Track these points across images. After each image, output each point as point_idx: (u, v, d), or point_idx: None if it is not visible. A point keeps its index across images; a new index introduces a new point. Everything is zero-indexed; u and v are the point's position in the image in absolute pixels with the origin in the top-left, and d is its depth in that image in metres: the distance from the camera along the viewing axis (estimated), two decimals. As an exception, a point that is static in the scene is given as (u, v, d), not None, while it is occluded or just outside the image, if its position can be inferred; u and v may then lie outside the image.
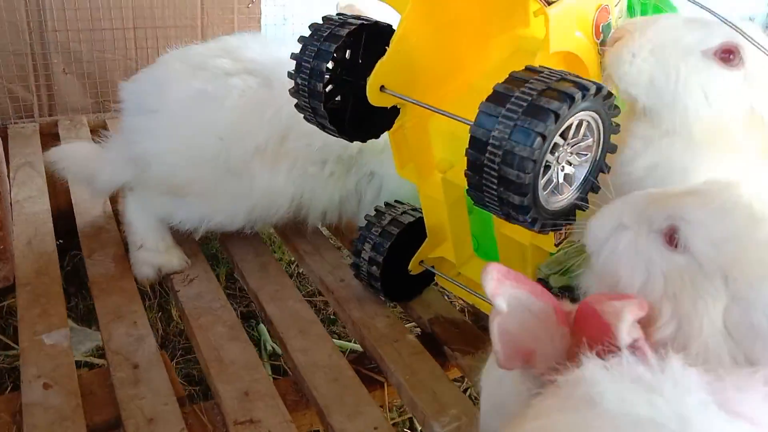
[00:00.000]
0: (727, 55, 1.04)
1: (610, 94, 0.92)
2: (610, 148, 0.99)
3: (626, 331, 0.74)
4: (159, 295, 1.96)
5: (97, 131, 2.02)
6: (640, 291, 0.88)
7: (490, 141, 0.89)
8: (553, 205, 0.98)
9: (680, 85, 1.07)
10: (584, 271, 1.00)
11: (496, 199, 0.94)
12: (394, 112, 1.28)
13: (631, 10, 1.25)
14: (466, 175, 0.97)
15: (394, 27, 1.22)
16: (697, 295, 0.83)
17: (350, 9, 1.84)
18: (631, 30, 1.08)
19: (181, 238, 1.76)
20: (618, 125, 0.97)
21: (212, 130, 1.59)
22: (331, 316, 2.01)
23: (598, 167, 1.01)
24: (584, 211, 1.02)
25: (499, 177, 0.91)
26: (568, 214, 1.00)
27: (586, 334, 0.80)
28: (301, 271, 2.02)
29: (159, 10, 2.49)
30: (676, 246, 0.86)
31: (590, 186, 1.01)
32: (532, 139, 0.86)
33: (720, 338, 0.82)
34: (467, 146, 0.93)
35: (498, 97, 0.90)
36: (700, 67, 1.06)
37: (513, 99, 0.89)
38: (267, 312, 1.56)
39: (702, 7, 0.99)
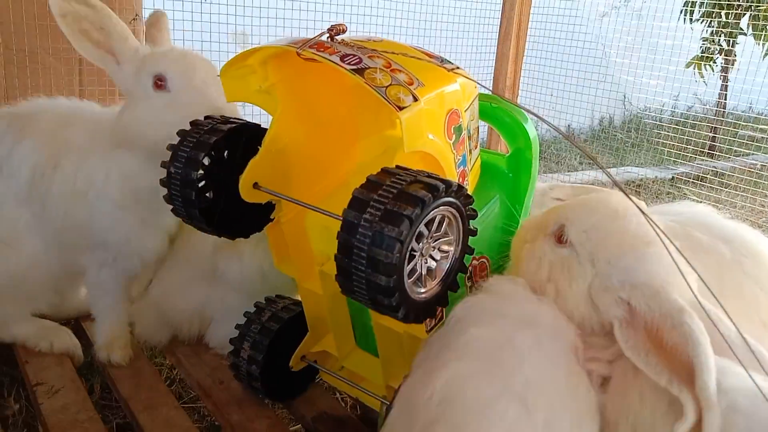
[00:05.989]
0: None
1: (461, 188, 0.97)
2: (470, 233, 1.04)
3: None
4: (25, 410, 1.78)
5: None
6: (532, 277, 1.13)
7: (361, 226, 0.92)
8: (418, 296, 1.00)
9: None
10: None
11: (363, 282, 0.95)
12: (268, 210, 1.29)
13: (483, 114, 1.36)
14: (335, 258, 0.97)
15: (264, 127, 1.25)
16: (571, 277, 1.07)
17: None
18: None
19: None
20: (475, 211, 1.03)
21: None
22: (216, 423, 1.88)
23: (460, 259, 1.05)
24: (445, 307, 1.07)
25: (367, 258, 0.92)
26: (431, 307, 1.03)
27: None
28: (181, 376, 1.90)
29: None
30: (564, 242, 1.10)
31: (452, 281, 1.04)
32: (399, 226, 0.89)
33: (589, 309, 1.04)
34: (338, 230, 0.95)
35: (358, 203, 0.94)
36: None
37: (372, 203, 0.92)
38: (139, 421, 1.45)
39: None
